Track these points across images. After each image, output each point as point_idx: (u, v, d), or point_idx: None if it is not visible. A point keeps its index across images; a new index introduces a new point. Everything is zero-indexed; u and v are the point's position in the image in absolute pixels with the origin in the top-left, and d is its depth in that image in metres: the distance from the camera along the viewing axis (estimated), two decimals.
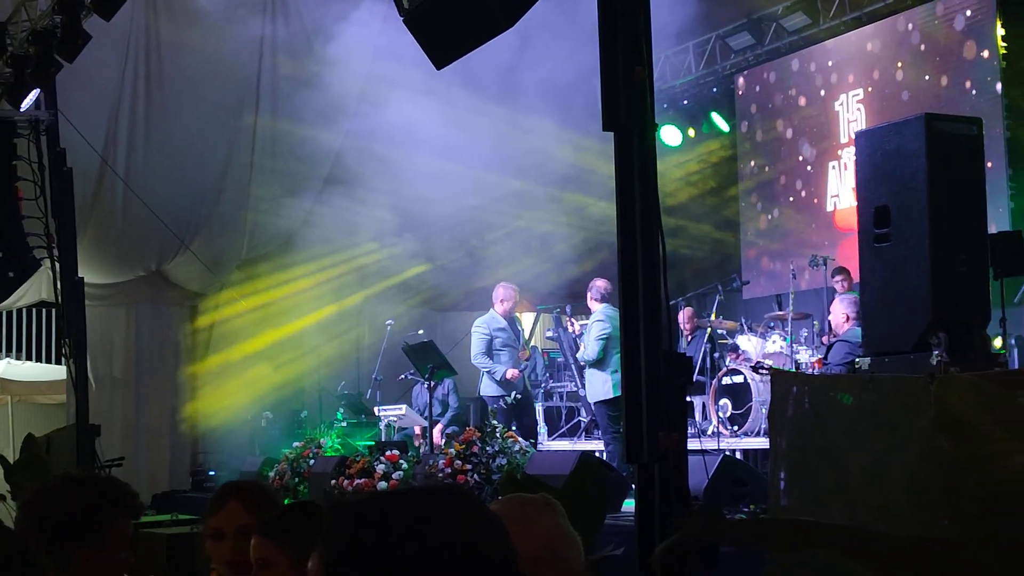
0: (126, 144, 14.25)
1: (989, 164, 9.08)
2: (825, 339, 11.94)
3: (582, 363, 11.95)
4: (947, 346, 7.20)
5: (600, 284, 11.54)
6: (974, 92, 13.47)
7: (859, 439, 4.32)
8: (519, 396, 12.07)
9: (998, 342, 9.21)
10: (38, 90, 11.19)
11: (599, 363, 11.24)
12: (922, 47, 14.17)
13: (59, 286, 11.31)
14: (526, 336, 18.41)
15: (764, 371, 11.12)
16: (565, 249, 15.39)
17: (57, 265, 11.34)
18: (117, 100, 14.16)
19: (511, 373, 11.93)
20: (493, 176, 14.47)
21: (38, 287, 14.20)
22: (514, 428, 11.36)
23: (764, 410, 10.81)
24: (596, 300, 11.45)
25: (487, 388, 12.09)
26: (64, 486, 3.45)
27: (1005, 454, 2.01)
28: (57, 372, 15.37)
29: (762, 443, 10.73)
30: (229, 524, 3.62)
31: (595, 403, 11.55)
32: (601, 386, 11.27)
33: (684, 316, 13.87)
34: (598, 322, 11.31)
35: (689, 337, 13.78)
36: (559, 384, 14.60)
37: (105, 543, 3.35)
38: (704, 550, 4.87)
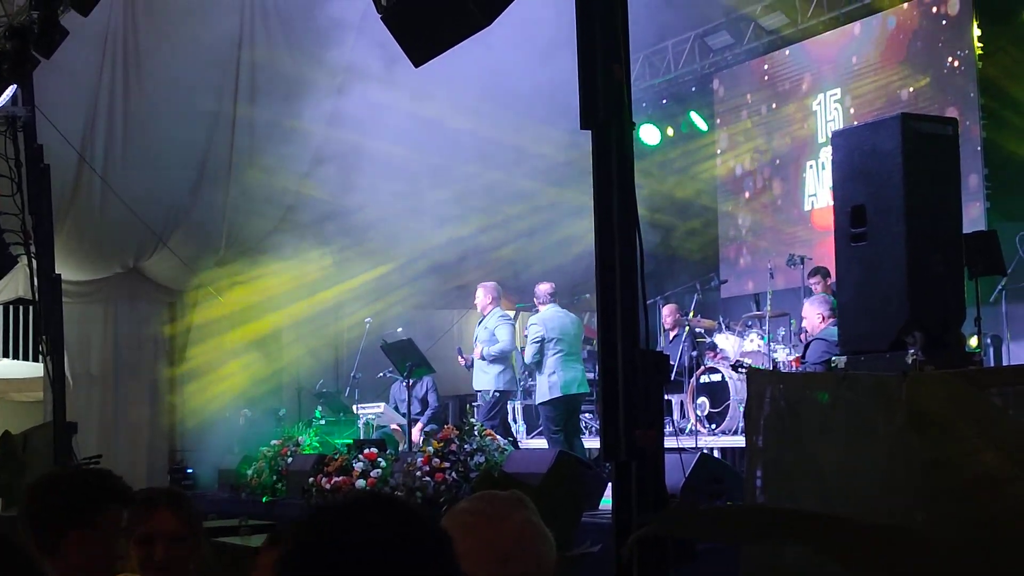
0: (104, 140, 14.21)
1: (964, 164, 9.12)
2: (803, 337, 11.99)
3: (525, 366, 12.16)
4: (923, 345, 7.24)
5: (541, 288, 11.65)
6: (950, 92, 13.55)
7: (834, 437, 4.35)
8: (498, 393, 12.12)
9: (974, 341, 9.28)
10: (15, 86, 11.14)
11: (536, 366, 11.46)
12: (899, 47, 14.24)
13: (36, 283, 11.27)
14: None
15: (742, 370, 11.17)
16: (549, 245, 15.42)
17: (34, 262, 11.30)
18: (95, 96, 14.11)
19: None
20: (473, 169, 14.47)
21: (15, 284, 14.16)
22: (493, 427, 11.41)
23: (742, 408, 10.85)
24: (540, 303, 11.61)
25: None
26: (57, 473, 3.74)
27: (973, 452, 2.04)
28: (34, 369, 15.32)
29: (740, 441, 10.77)
30: (161, 530, 3.67)
31: (538, 404, 11.70)
32: (540, 387, 11.50)
33: (667, 312, 13.91)
34: (532, 326, 11.56)
35: (671, 334, 13.81)
36: (536, 383, 14.62)
37: (97, 526, 3.50)
38: (681, 546, 4.90)
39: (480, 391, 12.15)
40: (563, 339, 11.39)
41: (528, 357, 11.47)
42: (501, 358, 11.90)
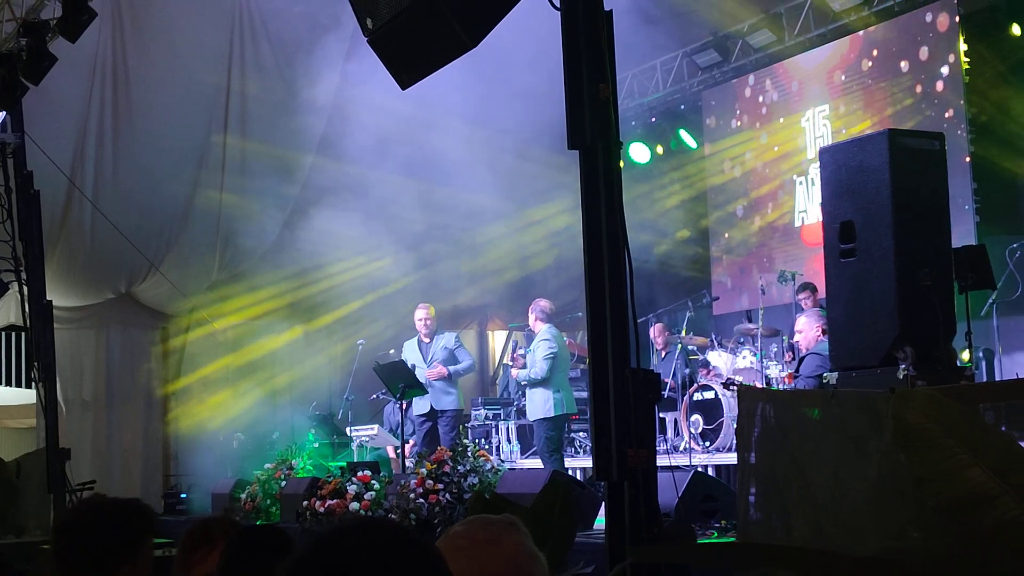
0: (94, 165, 14.20)
1: (952, 179, 9.15)
2: (787, 356, 12.00)
3: (523, 382, 12.04)
4: (914, 360, 7.26)
5: (543, 304, 11.64)
6: (937, 108, 13.60)
7: (825, 454, 4.36)
8: (459, 412, 12.26)
9: (965, 355, 9.29)
10: (4, 113, 11.16)
11: (544, 382, 11.36)
12: (886, 63, 14.29)
13: (27, 309, 11.25)
14: (497, 354, 18.49)
15: (733, 388, 11.16)
16: (539, 265, 15.46)
17: (25, 288, 11.29)
18: (84, 121, 14.11)
19: None
20: (462, 192, 14.50)
21: (6, 310, 14.13)
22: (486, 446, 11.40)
23: (735, 426, 10.85)
24: (540, 320, 11.58)
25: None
26: (102, 507, 3.54)
27: (959, 469, 2.04)
28: (27, 396, 15.28)
29: (734, 459, 10.70)
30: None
31: (534, 420, 11.65)
32: (542, 404, 11.38)
33: (656, 331, 13.94)
34: (544, 341, 11.45)
35: (663, 353, 13.83)
36: None
37: (141, 561, 3.47)
38: (675, 567, 4.89)
39: (443, 411, 12.15)
40: (564, 358, 11.43)
41: (540, 373, 11.31)
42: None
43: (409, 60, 5.44)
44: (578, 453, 13.34)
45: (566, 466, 11.72)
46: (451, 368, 12.13)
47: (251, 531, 3.78)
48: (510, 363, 12.94)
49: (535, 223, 15.26)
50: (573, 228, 5.23)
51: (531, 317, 11.79)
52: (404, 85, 5.56)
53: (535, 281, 15.57)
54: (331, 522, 10.75)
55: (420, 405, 12.26)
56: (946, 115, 13.44)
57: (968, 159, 13.10)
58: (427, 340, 12.34)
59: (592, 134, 5.11)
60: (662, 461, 5.74)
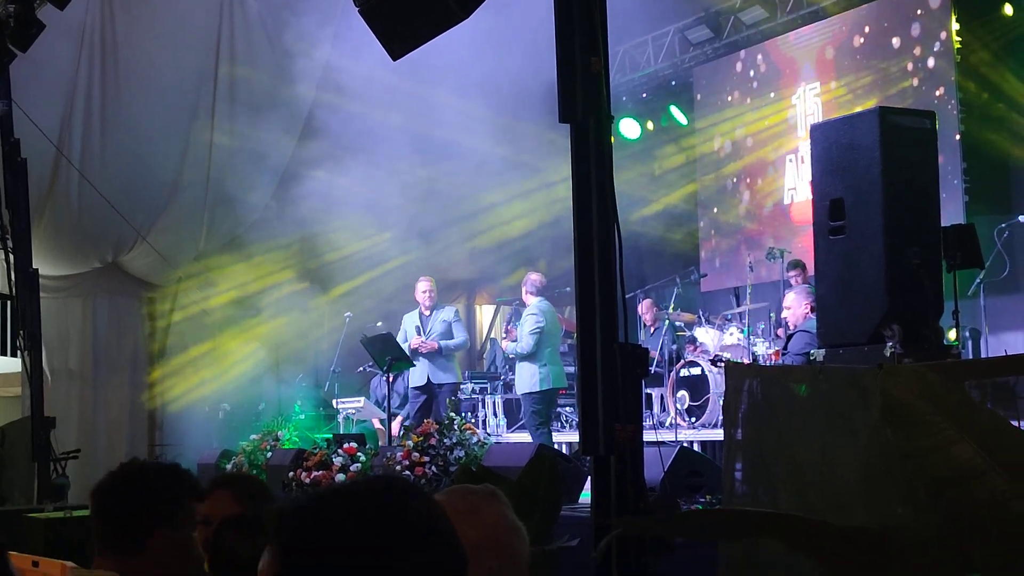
0: (81, 134, 14.12)
1: (942, 158, 9.17)
2: (781, 332, 12.02)
3: (511, 355, 12.11)
4: (901, 338, 7.28)
5: (534, 278, 11.66)
6: (928, 86, 13.59)
7: (812, 430, 4.36)
8: (456, 385, 12.30)
9: (952, 334, 9.31)
10: None
11: (531, 356, 11.37)
12: (878, 41, 14.28)
13: (13, 278, 11.20)
14: (485, 328, 18.50)
15: (720, 364, 11.19)
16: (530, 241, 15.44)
17: (11, 257, 11.23)
18: (72, 90, 14.03)
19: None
20: (449, 169, 14.47)
21: None
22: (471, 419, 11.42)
23: (721, 402, 10.87)
24: (531, 294, 11.60)
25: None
26: (139, 470, 3.56)
27: (946, 445, 2.04)
28: (12, 365, 15.23)
29: (719, 435, 10.76)
30: (215, 512, 3.67)
31: (522, 394, 11.68)
32: (529, 378, 11.40)
33: (644, 307, 13.96)
34: (531, 315, 11.46)
35: (652, 329, 13.85)
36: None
37: (181, 523, 3.46)
38: (658, 539, 4.90)
39: (440, 384, 12.19)
40: (554, 332, 11.42)
41: (526, 347, 11.34)
42: None
43: (401, 31, 5.42)
44: (564, 427, 13.37)
45: (553, 440, 11.76)
46: (442, 343, 12.15)
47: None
48: (504, 335, 12.96)
49: (524, 194, 15.20)
50: (566, 201, 5.20)
51: (523, 290, 11.81)
52: (395, 56, 5.54)
53: (524, 255, 15.55)
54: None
55: (416, 377, 12.26)
56: (936, 94, 13.44)
57: (958, 138, 13.11)
58: (427, 313, 12.35)
59: (583, 108, 5.09)
60: (648, 436, 5.74)
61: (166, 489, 3.47)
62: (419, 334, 12.21)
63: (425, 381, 12.20)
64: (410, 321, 12.42)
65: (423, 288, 12.41)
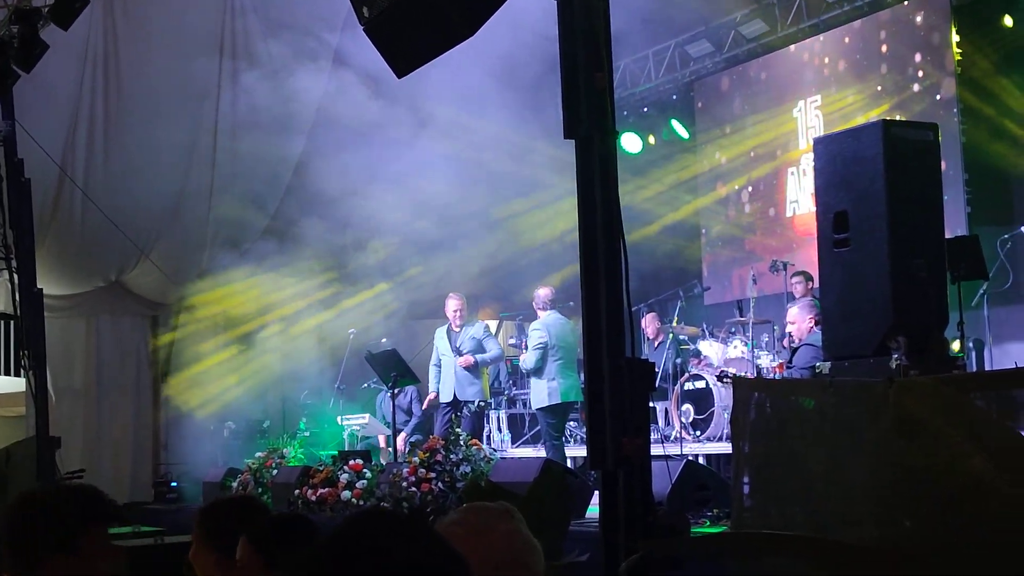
0: (85, 154, 14.16)
1: (944, 168, 9.18)
2: (786, 343, 11.99)
3: (524, 371, 12.14)
4: (906, 350, 7.27)
5: (541, 293, 11.66)
6: (930, 97, 13.61)
7: (820, 443, 4.36)
8: (482, 403, 12.19)
9: (956, 345, 9.31)
10: None
11: (537, 372, 11.37)
12: (878, 53, 14.30)
13: (18, 297, 11.21)
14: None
15: (727, 380, 11.17)
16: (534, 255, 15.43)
17: (16, 276, 11.24)
18: (75, 110, 14.07)
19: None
20: (453, 185, 14.47)
21: None
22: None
23: (726, 415, 10.87)
24: (540, 309, 11.60)
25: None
26: (36, 492, 3.48)
27: (961, 457, 2.04)
28: (16, 384, 15.22)
29: (725, 448, 10.78)
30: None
31: (537, 410, 11.68)
32: (538, 393, 11.41)
33: (648, 320, 13.94)
34: (535, 331, 11.48)
35: (655, 343, 13.83)
36: (522, 391, 14.60)
37: (80, 550, 3.31)
38: (667, 556, 4.89)
39: (467, 401, 12.15)
40: (563, 346, 11.38)
41: (530, 363, 11.34)
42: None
43: (405, 48, 5.43)
44: (569, 442, 13.35)
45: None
46: (478, 357, 12.11)
47: (280, 519, 3.81)
48: (523, 350, 13.00)
49: (530, 210, 15.20)
50: (572, 215, 5.20)
51: (533, 305, 11.81)
52: (400, 74, 5.55)
53: (526, 271, 15.52)
54: (323, 511, 10.76)
55: (445, 394, 12.24)
56: (938, 105, 13.45)
57: (960, 149, 13.11)
58: (457, 330, 12.33)
59: (588, 123, 5.09)
60: (653, 450, 5.73)
61: (64, 513, 3.33)
62: (451, 350, 12.18)
63: (451, 397, 12.18)
64: (439, 337, 12.40)
65: (453, 307, 12.36)
